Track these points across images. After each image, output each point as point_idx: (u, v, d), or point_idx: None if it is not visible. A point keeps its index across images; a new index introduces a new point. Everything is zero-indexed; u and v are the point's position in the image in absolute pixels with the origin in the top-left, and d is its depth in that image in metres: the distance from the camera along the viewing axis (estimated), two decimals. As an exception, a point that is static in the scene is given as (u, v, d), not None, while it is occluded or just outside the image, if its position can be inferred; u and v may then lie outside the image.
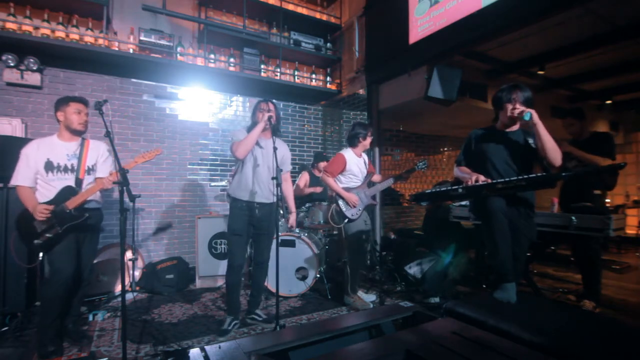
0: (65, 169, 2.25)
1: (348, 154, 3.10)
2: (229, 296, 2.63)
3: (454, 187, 2.17)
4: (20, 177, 2.18)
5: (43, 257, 2.34)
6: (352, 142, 3.13)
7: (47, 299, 2.16)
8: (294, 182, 4.39)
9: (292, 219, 2.85)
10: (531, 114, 1.97)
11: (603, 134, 3.04)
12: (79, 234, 2.28)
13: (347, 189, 3.03)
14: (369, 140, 3.12)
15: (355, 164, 3.08)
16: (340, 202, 2.98)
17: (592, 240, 2.73)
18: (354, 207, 2.98)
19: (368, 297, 3.22)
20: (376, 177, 3.28)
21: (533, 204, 2.14)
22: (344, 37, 4.92)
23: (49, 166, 2.21)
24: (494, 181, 2.00)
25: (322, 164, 4.19)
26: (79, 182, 2.27)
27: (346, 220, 3.00)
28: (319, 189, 4.06)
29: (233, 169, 4.40)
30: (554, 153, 1.99)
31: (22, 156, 2.20)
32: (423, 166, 3.19)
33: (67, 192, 2.21)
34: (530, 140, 2.10)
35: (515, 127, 2.21)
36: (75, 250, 2.25)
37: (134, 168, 3.79)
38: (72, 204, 2.18)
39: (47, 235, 2.14)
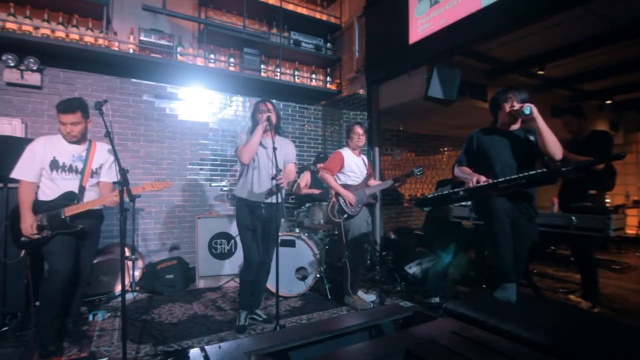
0: (70, 169, 2.24)
1: (346, 152, 3.14)
2: (242, 292, 2.63)
3: (455, 190, 2.17)
4: (25, 171, 2.15)
5: (24, 255, 2.29)
6: (347, 137, 3.19)
7: (45, 298, 2.16)
8: (295, 181, 4.39)
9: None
10: (531, 108, 1.99)
11: (602, 133, 3.00)
12: (78, 235, 2.27)
13: (347, 186, 3.07)
14: (364, 137, 3.12)
15: (354, 162, 3.12)
16: (340, 198, 3.03)
17: (585, 239, 2.75)
18: (352, 204, 3.01)
19: (368, 297, 3.22)
20: (372, 182, 3.25)
21: (534, 204, 2.15)
22: (344, 37, 4.92)
23: (55, 164, 2.20)
24: (495, 181, 2.00)
25: (321, 165, 4.20)
26: (82, 189, 2.26)
27: (345, 216, 3.03)
28: (317, 191, 4.06)
29: (234, 168, 4.42)
30: (554, 147, 2.00)
31: (27, 151, 2.17)
32: (419, 173, 3.19)
33: (67, 198, 2.21)
34: (532, 138, 2.10)
35: (516, 126, 2.21)
36: (74, 250, 2.24)
37: (134, 168, 3.85)
38: (70, 211, 2.17)
39: (36, 235, 2.13)
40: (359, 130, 3.12)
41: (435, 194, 2.36)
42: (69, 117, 2.17)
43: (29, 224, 2.10)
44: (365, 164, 3.23)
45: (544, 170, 1.95)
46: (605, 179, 2.85)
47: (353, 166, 3.10)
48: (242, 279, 2.65)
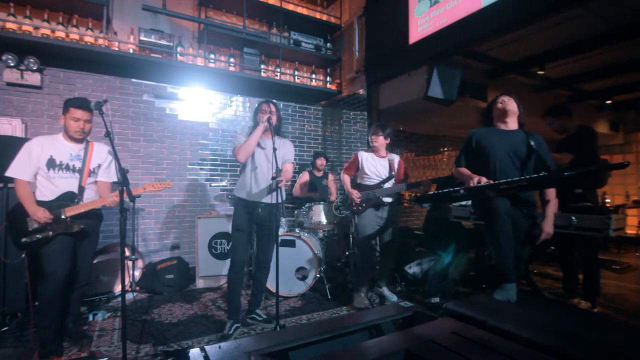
0: (67, 168, 2.24)
1: (364, 154, 3.19)
2: (230, 295, 2.61)
3: (455, 189, 2.17)
4: (20, 170, 2.14)
5: (25, 256, 2.29)
6: (369, 143, 3.23)
7: (44, 300, 2.15)
8: (294, 182, 4.40)
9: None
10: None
11: (584, 129, 2.98)
12: (77, 236, 2.26)
13: (359, 186, 3.14)
14: (375, 137, 3.12)
15: (370, 164, 3.14)
16: (349, 197, 3.13)
17: (588, 240, 2.78)
18: (355, 203, 3.06)
19: (392, 297, 3.25)
20: (390, 183, 3.19)
21: (534, 204, 2.15)
22: (344, 37, 4.92)
23: (51, 163, 2.19)
24: (496, 182, 2.00)
25: (319, 161, 4.23)
26: (81, 189, 2.26)
27: (346, 213, 3.07)
28: (316, 195, 4.07)
29: (239, 169, 4.43)
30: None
31: (24, 149, 2.16)
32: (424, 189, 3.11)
33: (67, 198, 2.20)
34: (532, 142, 2.10)
35: (515, 126, 2.22)
36: (71, 251, 2.23)
37: (134, 168, 3.85)
38: (70, 211, 2.17)
39: (37, 236, 2.12)
40: (374, 130, 3.16)
41: (435, 192, 2.36)
42: (85, 114, 2.24)
43: (40, 214, 2.09)
44: (390, 165, 3.16)
45: (546, 174, 1.95)
46: (587, 178, 2.84)
47: (371, 167, 3.12)
48: (228, 278, 2.67)
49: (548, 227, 2.13)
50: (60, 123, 2.27)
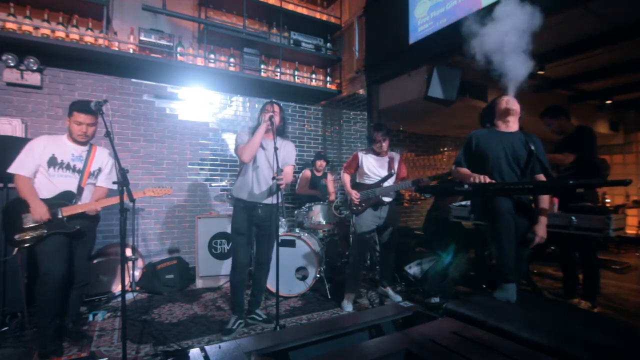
0: (68, 167, 2.25)
1: (363, 153, 3.18)
2: (233, 295, 2.64)
3: (459, 183, 2.16)
4: (21, 166, 2.16)
5: (20, 254, 2.29)
6: (371, 142, 3.18)
7: (42, 299, 2.14)
8: (295, 180, 4.40)
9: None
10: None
11: (583, 130, 2.98)
12: (72, 236, 2.26)
13: (358, 185, 3.15)
14: (378, 139, 3.07)
15: (370, 164, 3.13)
16: (349, 196, 3.15)
17: (587, 239, 2.78)
18: (355, 202, 3.07)
19: (395, 297, 3.23)
20: (390, 181, 3.19)
21: (531, 204, 2.15)
22: (344, 37, 4.92)
23: (53, 161, 2.21)
24: (503, 182, 2.00)
25: (318, 163, 4.24)
26: (80, 189, 2.27)
27: (346, 213, 3.09)
28: (317, 192, 4.08)
29: (238, 168, 4.43)
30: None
31: (27, 147, 2.19)
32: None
33: (65, 197, 2.21)
34: (532, 146, 2.10)
35: (515, 127, 2.21)
36: (67, 251, 2.23)
37: (134, 168, 3.85)
38: (67, 211, 2.18)
39: (31, 234, 2.11)
40: (379, 137, 3.07)
41: (438, 184, 2.33)
42: (88, 117, 2.25)
43: (43, 210, 2.09)
44: (389, 164, 3.15)
45: (552, 181, 1.94)
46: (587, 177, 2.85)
47: (370, 167, 3.12)
48: (230, 280, 2.69)
49: (541, 231, 2.13)
50: (66, 125, 2.29)
